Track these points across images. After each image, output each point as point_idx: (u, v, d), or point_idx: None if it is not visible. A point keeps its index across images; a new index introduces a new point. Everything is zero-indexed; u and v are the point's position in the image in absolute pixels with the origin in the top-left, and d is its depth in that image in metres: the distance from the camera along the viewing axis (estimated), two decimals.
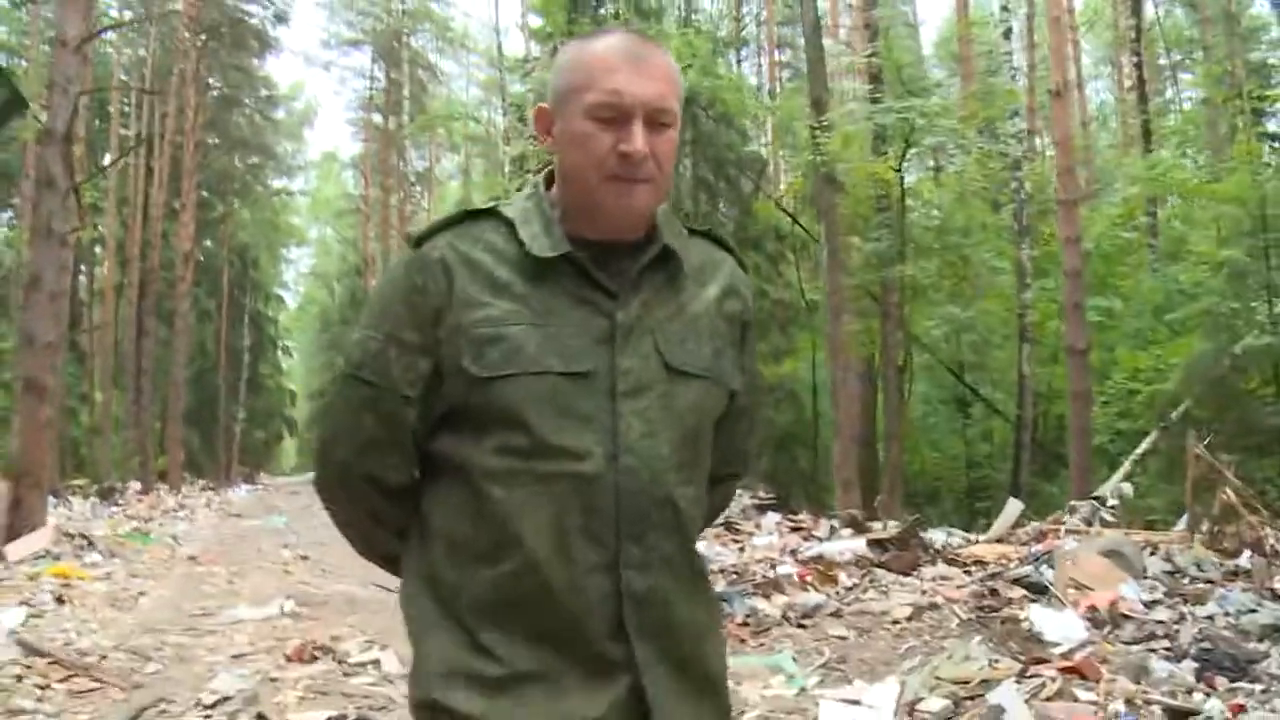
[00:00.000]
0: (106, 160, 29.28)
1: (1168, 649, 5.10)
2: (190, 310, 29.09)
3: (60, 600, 7.12)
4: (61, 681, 4.69)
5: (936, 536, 10.37)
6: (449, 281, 1.30)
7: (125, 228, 29.69)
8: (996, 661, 4.15)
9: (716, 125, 16.83)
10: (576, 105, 1.29)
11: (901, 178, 16.00)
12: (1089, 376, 12.50)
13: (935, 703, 3.65)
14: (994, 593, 6.65)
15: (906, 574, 7.63)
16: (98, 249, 30.65)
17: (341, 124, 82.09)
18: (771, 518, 13.43)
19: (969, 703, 3.67)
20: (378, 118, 38.89)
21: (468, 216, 1.36)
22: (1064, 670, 3.99)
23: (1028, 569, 7.11)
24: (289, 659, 5.21)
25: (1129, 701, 3.64)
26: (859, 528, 9.13)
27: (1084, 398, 12.35)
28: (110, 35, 27.21)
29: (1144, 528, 9.10)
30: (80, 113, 12.56)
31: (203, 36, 29.28)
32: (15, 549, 9.43)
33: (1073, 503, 9.39)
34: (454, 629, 1.28)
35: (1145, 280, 17.34)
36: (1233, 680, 4.47)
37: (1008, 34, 17.39)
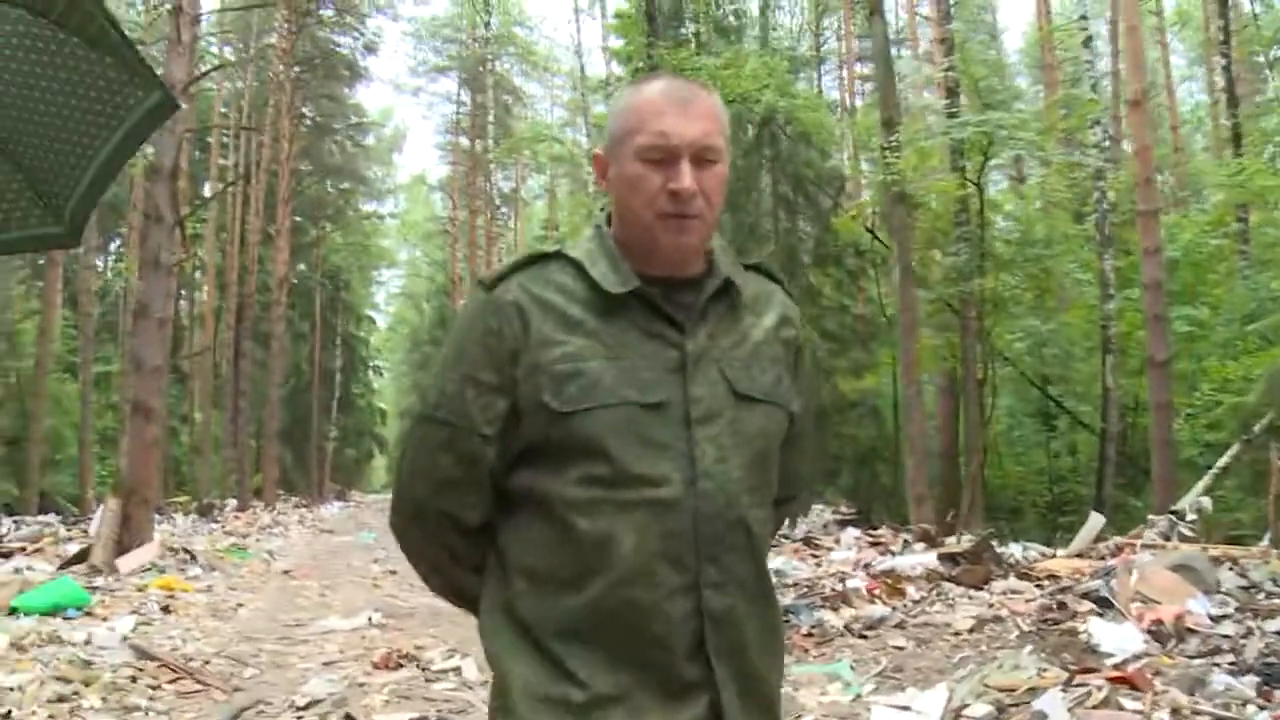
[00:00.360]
0: (207, 191, 30.66)
1: (1232, 663, 5.11)
2: (285, 333, 30.10)
3: (166, 610, 7.61)
4: (170, 683, 5.10)
5: (1014, 550, 10.37)
6: (524, 323, 1.35)
7: (223, 254, 30.94)
8: (1045, 670, 4.26)
9: (794, 143, 16.96)
10: (628, 148, 1.36)
11: (981, 190, 15.99)
12: (1170, 388, 12.31)
13: (980, 709, 3.79)
14: (1061, 606, 6.68)
15: (977, 588, 7.69)
16: (197, 274, 31.98)
17: (429, 148, 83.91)
18: (851, 533, 13.52)
19: (1013, 709, 3.80)
20: (464, 141, 39.81)
21: (537, 259, 1.42)
22: (1113, 680, 4.07)
23: (1097, 583, 7.11)
24: (376, 666, 5.54)
25: (1175, 711, 3.73)
26: (931, 542, 9.19)
27: (1166, 409, 12.16)
28: (213, 80, 28.55)
29: (1224, 542, 8.96)
30: (184, 148, 13.25)
31: (296, 68, 30.38)
32: (125, 562, 10.02)
33: (1151, 517, 9.29)
34: (537, 656, 1.32)
35: (1236, 288, 16.93)
36: None
37: (1088, 41, 17.21)
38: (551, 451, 1.33)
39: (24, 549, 11.39)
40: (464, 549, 1.43)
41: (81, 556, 10.19)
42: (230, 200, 30.79)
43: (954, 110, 15.11)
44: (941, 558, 8.50)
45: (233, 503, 24.31)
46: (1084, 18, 17.30)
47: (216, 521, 19.70)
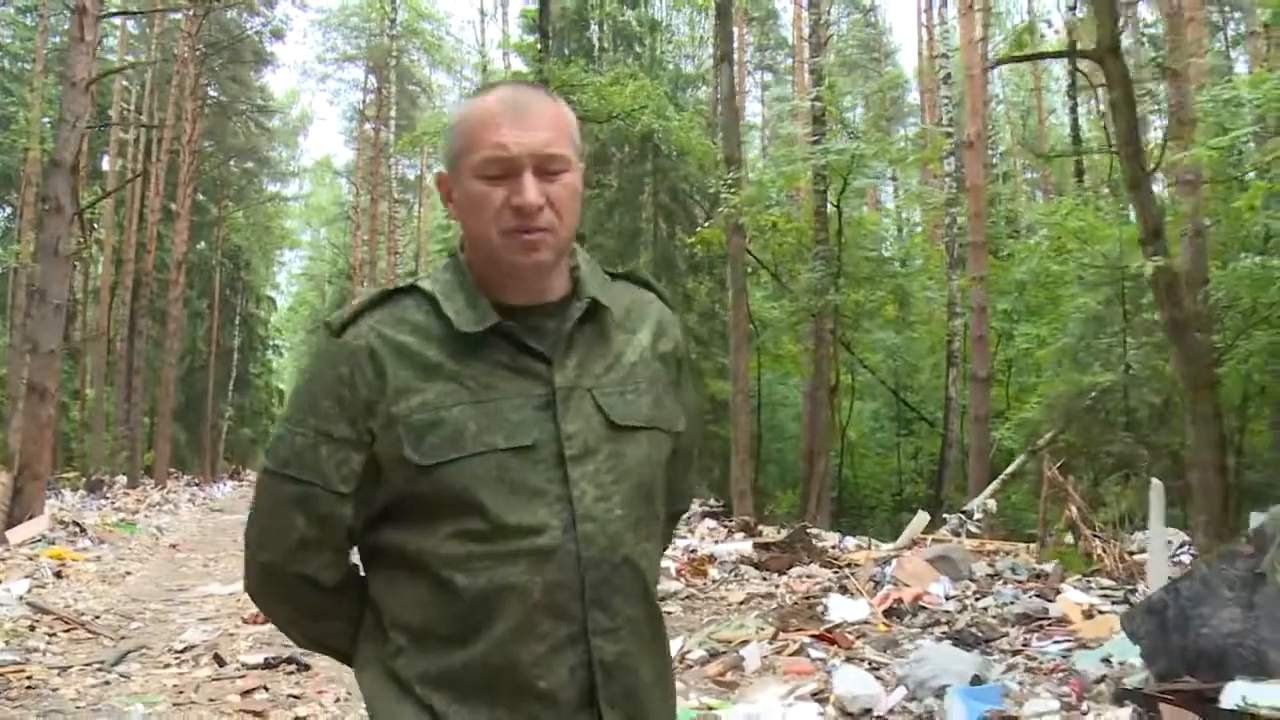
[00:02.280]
0: (105, 164, 30.62)
1: (945, 631, 6.46)
2: (182, 311, 30.24)
3: (59, 575, 8.46)
4: (64, 632, 6.04)
5: (842, 542, 11.77)
6: (378, 370, 1.26)
7: (121, 231, 30.91)
8: (761, 629, 5.51)
9: (672, 159, 18.22)
10: (466, 166, 1.27)
11: (840, 211, 17.50)
12: (988, 402, 13.89)
13: (697, 653, 4.99)
14: (843, 589, 8.02)
15: (780, 572, 8.99)
16: (93, 249, 31.86)
17: (335, 133, 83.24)
18: (708, 524, 14.78)
19: (724, 655, 5.02)
20: (369, 128, 40.20)
21: (387, 297, 1.32)
22: (815, 637, 5.33)
23: (876, 570, 8.48)
24: (245, 621, 6.54)
25: (849, 658, 4.98)
26: (750, 532, 10.47)
27: (983, 421, 13.74)
28: (113, 49, 28.57)
29: (1003, 538, 10.47)
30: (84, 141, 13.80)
31: (201, 49, 30.46)
32: (16, 533, 10.72)
33: (945, 515, 10.75)
34: (421, 712, 1.26)
35: (1067, 309, 18.76)
36: (969, 649, 5.83)
37: (947, 79, 18.80)
38: (419, 507, 1.26)
39: None
40: (325, 605, 1.36)
41: None
42: (129, 175, 30.75)
43: (818, 138, 16.54)
44: (756, 546, 9.79)
45: (123, 479, 24.53)
46: (945, 55, 18.89)
47: (106, 498, 20.05)
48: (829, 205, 16.96)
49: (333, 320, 1.31)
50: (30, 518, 11.27)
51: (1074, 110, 19.18)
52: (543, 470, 1.25)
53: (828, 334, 17.11)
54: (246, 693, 4.78)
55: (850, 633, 5.67)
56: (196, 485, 28.49)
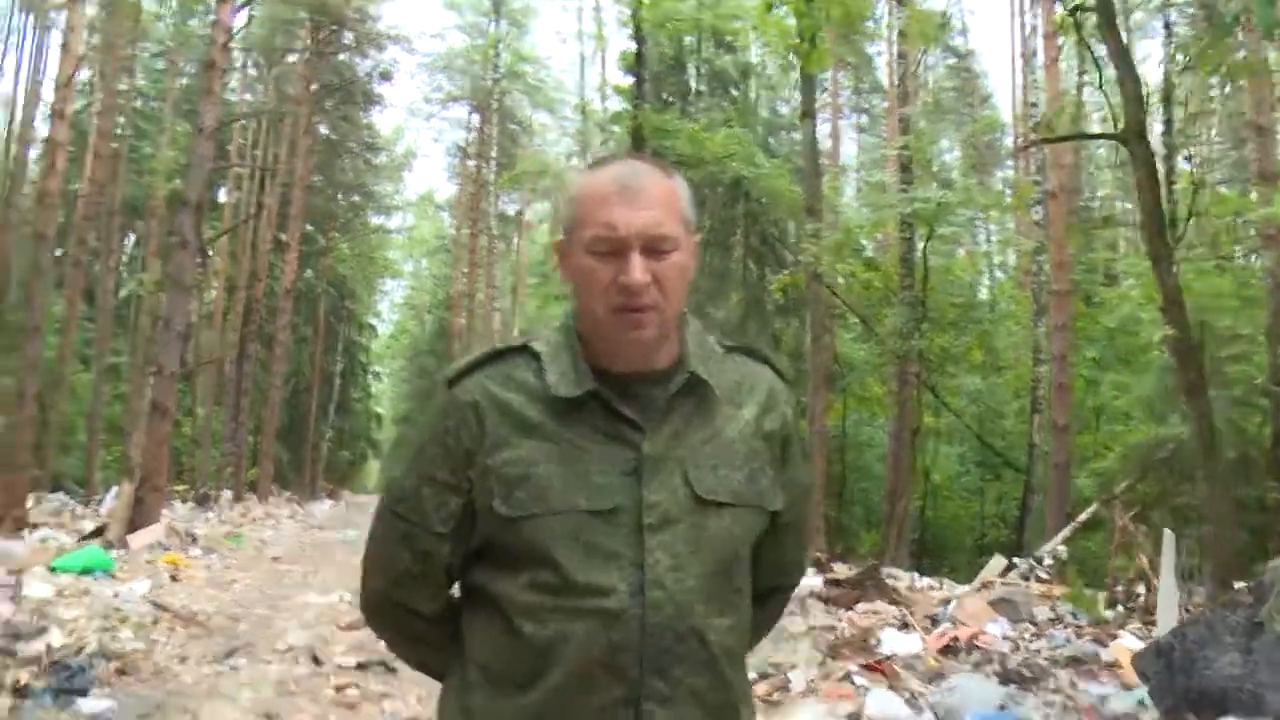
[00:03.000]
0: (221, 196, 32.37)
1: (996, 669, 6.72)
2: (289, 336, 31.65)
3: (174, 579, 9.22)
4: (182, 629, 6.71)
5: (920, 582, 11.96)
6: (480, 425, 1.33)
7: (235, 260, 32.57)
8: (813, 656, 5.87)
9: (762, 204, 18.68)
10: (578, 240, 1.31)
11: (925, 257, 17.73)
12: (1068, 449, 13.93)
13: (751, 675, 5.37)
14: (904, 625, 8.29)
15: (848, 607, 9.27)
16: (209, 277, 33.60)
17: (438, 169, 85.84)
18: None
19: (774, 678, 5.41)
20: (471, 165, 41.59)
21: (501, 355, 1.39)
22: (864, 666, 5.68)
23: (939, 609, 8.73)
24: (340, 628, 7.14)
25: (891, 687, 5.32)
26: (821, 568, 10.77)
27: (1062, 468, 13.78)
28: (234, 90, 30.31)
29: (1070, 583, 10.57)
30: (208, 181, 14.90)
31: (314, 86, 32.03)
32: (136, 539, 11.60)
33: (1015, 560, 10.89)
34: None
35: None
36: (1019, 688, 6.10)
37: (1035, 128, 18.90)
38: (504, 554, 1.33)
39: (47, 523, 12.98)
40: (426, 632, 1.45)
41: (98, 532, 11.78)
42: (244, 207, 32.39)
43: (905, 185, 16.85)
44: (827, 582, 10.09)
45: (228, 494, 25.75)
46: (1034, 104, 19.01)
47: (212, 511, 21.11)
48: (915, 252, 17.22)
49: (448, 373, 1.40)
50: (149, 525, 12.17)
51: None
52: (621, 535, 1.29)
53: (911, 377, 17.29)
54: (340, 688, 5.36)
55: (899, 665, 5.98)
56: (296, 503, 29.58)
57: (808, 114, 12.52)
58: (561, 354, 1.35)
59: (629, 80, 25.14)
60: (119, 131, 25.69)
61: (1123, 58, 6.70)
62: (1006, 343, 19.42)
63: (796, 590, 6.48)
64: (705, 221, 21.35)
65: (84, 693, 4.67)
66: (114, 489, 16.27)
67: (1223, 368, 11.33)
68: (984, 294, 22.02)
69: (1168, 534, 6.69)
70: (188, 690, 5.14)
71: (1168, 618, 5.84)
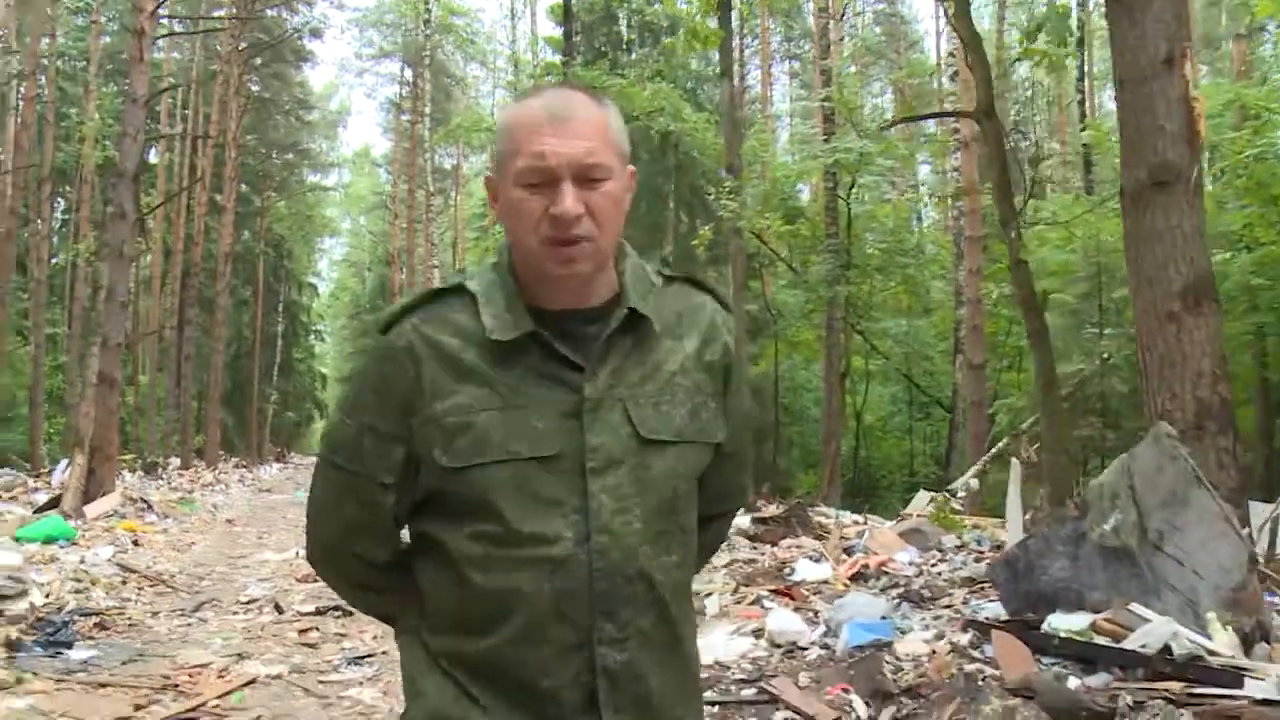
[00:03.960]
0: (153, 157, 32.01)
1: (900, 592, 7.44)
2: (228, 300, 31.59)
3: (136, 544, 9.66)
4: (150, 587, 7.20)
5: (845, 518, 12.73)
6: (416, 371, 1.29)
7: (169, 224, 32.31)
8: (728, 584, 6.54)
9: (691, 157, 19.17)
10: (509, 172, 1.27)
11: (849, 207, 18.41)
12: (983, 388, 14.77)
13: None
14: (820, 557, 9.01)
15: (773, 544, 9.98)
16: (142, 242, 33.28)
17: (373, 125, 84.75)
18: None
19: None
20: (406, 120, 41.44)
21: (435, 297, 1.35)
22: (774, 591, 6.35)
23: (854, 541, 9.47)
24: (298, 580, 7.67)
25: (799, 608, 5.99)
26: (748, 507, 11.48)
27: (979, 405, 14.62)
28: (160, 48, 29.89)
29: (983, 514, 11.41)
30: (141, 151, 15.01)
31: (243, 45, 31.67)
32: (92, 509, 11.94)
33: (930, 493, 11.69)
34: (444, 679, 1.32)
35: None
36: (915, 607, 6.81)
37: (954, 77, 19.55)
38: (448, 503, 1.31)
39: (0, 497, 13.27)
40: (377, 580, 1.44)
41: (53, 503, 12.09)
42: (176, 170, 32.08)
43: (828, 136, 17.44)
44: (754, 520, 10.79)
45: (176, 461, 25.88)
46: (952, 55, 19.63)
47: (161, 479, 21.33)
48: (839, 200, 17.89)
49: (380, 319, 1.36)
50: (104, 495, 12.52)
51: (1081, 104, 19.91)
52: (564, 481, 1.27)
53: (838, 322, 18.03)
54: (303, 631, 5.92)
55: (809, 590, 6.66)
56: (244, 467, 29.72)
57: (725, 73, 12.99)
58: (497, 294, 1.32)
59: (560, 32, 25.37)
60: (42, 94, 25.32)
61: (973, 44, 7.32)
62: (935, 287, 20.21)
63: None
64: (637, 175, 21.83)
65: (69, 645, 5.18)
66: (63, 461, 16.54)
67: (1122, 308, 12.14)
68: (917, 238, 22.78)
69: (1014, 462, 7.46)
70: (163, 640, 5.67)
71: (1014, 533, 6.60)
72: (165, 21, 19.24)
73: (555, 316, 1.30)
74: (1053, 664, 3.85)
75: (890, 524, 11.78)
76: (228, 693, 4.47)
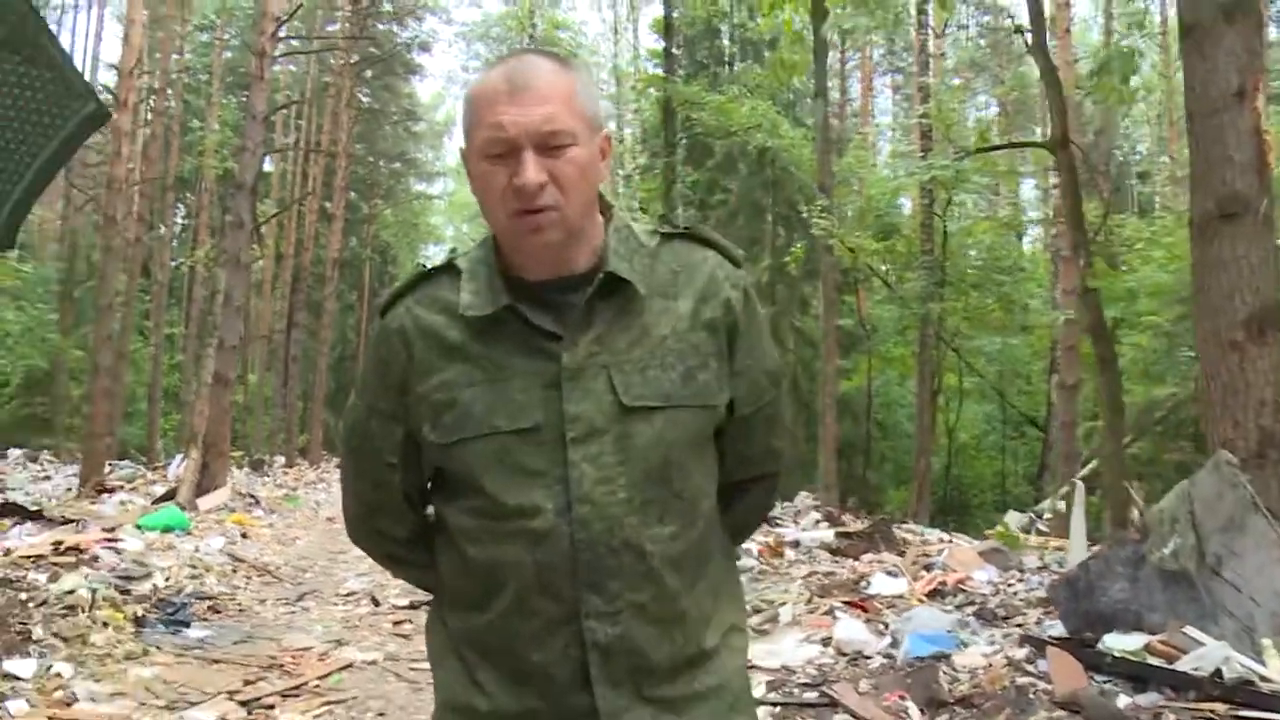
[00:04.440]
0: (268, 165, 33.39)
1: (975, 611, 7.52)
2: (335, 305, 32.74)
3: (244, 536, 10.25)
4: (257, 577, 7.70)
5: (930, 536, 12.75)
6: (409, 352, 1.32)
7: (282, 230, 33.67)
8: (802, 594, 6.72)
9: (788, 172, 19.34)
10: (473, 146, 1.27)
11: (945, 224, 18.32)
12: (1074, 409, 14.55)
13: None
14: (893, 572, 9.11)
15: (855, 558, 10.10)
16: (256, 248, 34.69)
17: None
18: (813, 516, 15.89)
19: (766, 612, 6.27)
20: None
21: (427, 277, 1.37)
22: (848, 603, 6.52)
23: (935, 558, 9.53)
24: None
25: (869, 621, 6.15)
26: (833, 521, 11.60)
27: (1069, 427, 14.41)
28: (278, 64, 31.21)
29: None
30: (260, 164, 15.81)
31: (355, 58, 32.86)
32: (204, 502, 12.65)
33: (1015, 513, 11.64)
34: (457, 664, 1.35)
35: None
36: (985, 624, 6.90)
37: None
38: (445, 480, 1.35)
39: (122, 488, 14.13)
40: (406, 554, 1.47)
41: (169, 495, 12.83)
42: (289, 178, 33.40)
43: (924, 153, 17.42)
44: (839, 534, 10.91)
45: (280, 459, 26.98)
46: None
47: (266, 475, 22.31)
48: (935, 217, 17.83)
49: (380, 301, 1.40)
50: (216, 489, 13.25)
51: None
52: (544, 452, 1.26)
53: (932, 339, 17.96)
54: (397, 623, 6.31)
55: (882, 604, 6.80)
56: None
57: (820, 93, 13.15)
58: (479, 269, 1.32)
59: (660, 45, 25.76)
60: (170, 107, 26.72)
61: (1048, 76, 7.37)
62: (1034, 305, 19.97)
63: (805, 542, 7.29)
64: (735, 188, 22.07)
65: (187, 624, 5.65)
66: (179, 455, 17.47)
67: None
68: (1027, 252, 22.62)
69: (1077, 483, 7.49)
70: (269, 624, 6.12)
71: (1077, 554, 6.64)
72: (283, 40, 20.16)
73: (537, 287, 1.30)
74: (1105, 681, 3.98)
75: (973, 543, 11.80)
76: (327, 675, 4.85)
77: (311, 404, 32.02)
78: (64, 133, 2.59)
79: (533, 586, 1.26)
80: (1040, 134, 30.86)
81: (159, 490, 13.62)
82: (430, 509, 1.43)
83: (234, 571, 7.71)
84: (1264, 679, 3.70)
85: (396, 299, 1.37)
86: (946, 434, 21.32)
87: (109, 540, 7.73)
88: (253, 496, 14.03)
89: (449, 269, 1.35)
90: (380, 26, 34.78)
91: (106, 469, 14.83)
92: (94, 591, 5.55)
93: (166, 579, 6.68)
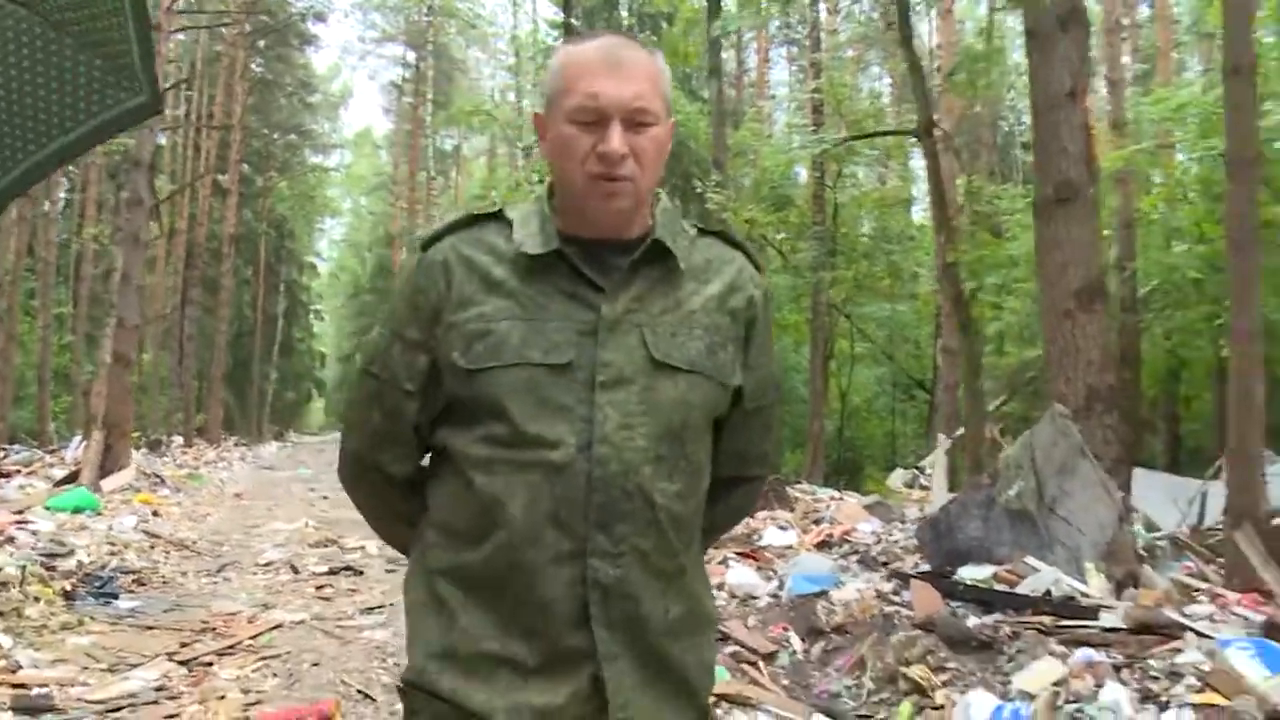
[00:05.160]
0: (161, 139, 32.56)
1: (859, 559, 8.16)
2: (232, 281, 32.16)
3: (155, 514, 10.37)
4: (175, 552, 7.92)
5: (821, 494, 13.45)
6: (448, 282, 1.36)
7: (174, 204, 32.84)
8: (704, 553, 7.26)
9: (686, 147, 19.82)
10: (560, 110, 1.34)
11: (835, 197, 19.09)
12: (955, 372, 15.41)
13: None
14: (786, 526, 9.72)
15: (751, 515, 10.71)
16: (155, 225, 33.79)
17: (375, 107, 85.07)
18: None
19: None
20: (408, 102, 41.99)
21: (474, 221, 1.43)
22: (740, 554, 7.07)
23: (824, 513, 10.20)
24: (309, 545, 8.39)
25: (760, 569, 6.70)
26: None
27: (951, 389, 15.28)
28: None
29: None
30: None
31: (247, 28, 32.12)
32: (109, 483, 12.63)
33: (900, 470, 12.41)
34: (440, 611, 1.35)
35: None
36: (865, 568, 7.52)
37: (939, 70, 20.15)
38: (463, 409, 1.36)
39: (19, 471, 13.97)
40: (399, 503, 1.49)
41: (71, 478, 12.78)
42: (181, 152, 32.59)
43: (815, 127, 18.09)
44: None
45: (178, 439, 26.52)
46: (938, 46, 20.23)
47: (165, 455, 21.96)
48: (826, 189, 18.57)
49: (422, 237, 1.45)
50: (120, 470, 13.22)
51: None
52: (574, 390, 1.31)
53: (823, 306, 18.72)
54: (318, 588, 6.64)
55: (773, 554, 7.38)
56: (244, 445, 30.32)
57: (713, 72, 13.64)
58: (532, 219, 1.39)
59: (560, 16, 25.93)
60: None
61: (914, 71, 8.00)
62: (920, 272, 20.89)
63: None
64: None
65: (115, 596, 5.90)
66: (76, 437, 17.25)
67: None
68: (918, 220, 23.60)
69: (940, 438, 8.22)
70: (194, 594, 6.39)
71: (939, 500, 7.34)
72: (180, 14, 19.79)
73: (586, 243, 1.37)
74: (958, 606, 4.57)
75: (861, 499, 12.54)
76: (258, 634, 5.19)
77: (209, 383, 31.48)
78: (101, 118, 2.54)
79: (546, 518, 1.30)
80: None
81: (59, 473, 13.51)
82: (428, 457, 1.48)
83: (152, 548, 7.91)
84: (1084, 595, 4.33)
85: (441, 235, 1.42)
86: (840, 398, 22.22)
87: (19, 522, 7.86)
88: (158, 476, 14.03)
89: (496, 216, 1.43)
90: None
91: (0, 454, 14.62)
92: (23, 568, 5.76)
93: (89, 556, 6.88)
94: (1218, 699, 3.32)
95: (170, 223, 31.86)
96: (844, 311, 20.13)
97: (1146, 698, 3.47)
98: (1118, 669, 3.66)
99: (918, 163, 31.07)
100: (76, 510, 9.74)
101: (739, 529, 9.16)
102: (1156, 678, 3.57)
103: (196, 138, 31.72)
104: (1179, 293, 11.28)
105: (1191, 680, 3.47)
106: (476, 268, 1.37)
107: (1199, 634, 3.82)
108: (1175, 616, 4.03)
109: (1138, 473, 11.43)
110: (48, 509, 9.59)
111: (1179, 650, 3.69)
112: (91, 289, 27.22)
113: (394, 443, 1.44)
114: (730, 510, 1.58)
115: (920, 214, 29.28)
